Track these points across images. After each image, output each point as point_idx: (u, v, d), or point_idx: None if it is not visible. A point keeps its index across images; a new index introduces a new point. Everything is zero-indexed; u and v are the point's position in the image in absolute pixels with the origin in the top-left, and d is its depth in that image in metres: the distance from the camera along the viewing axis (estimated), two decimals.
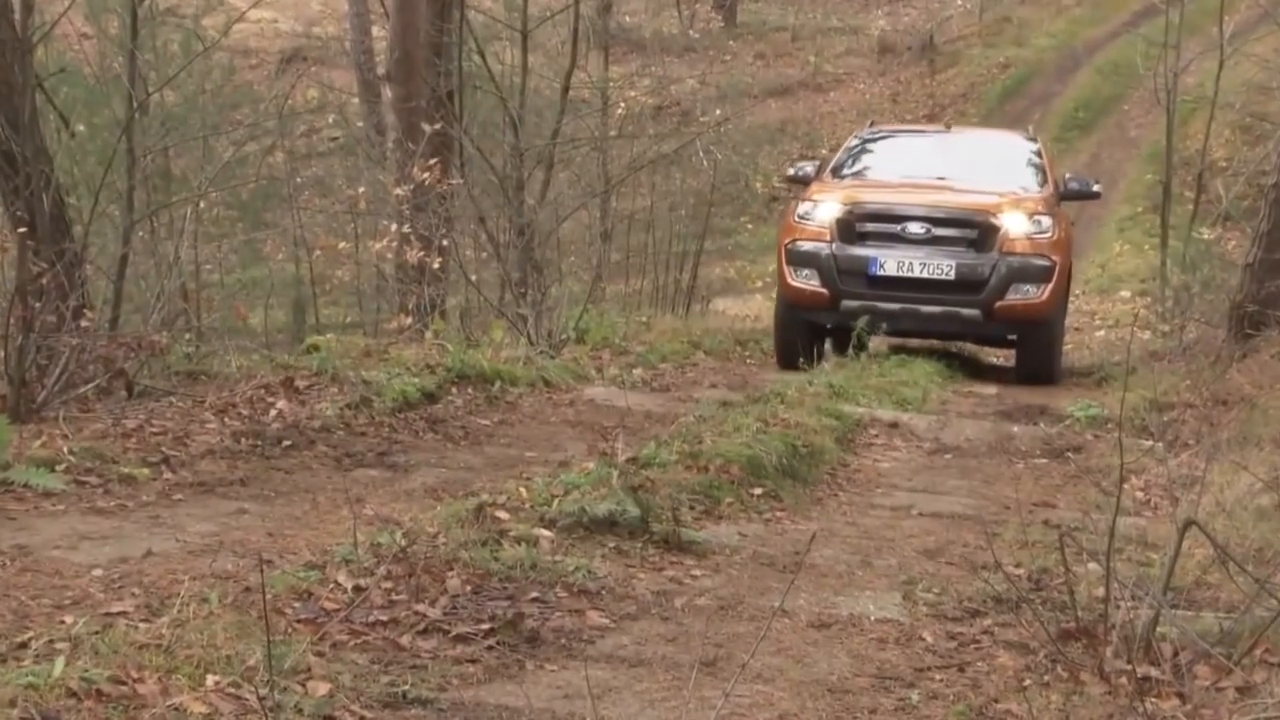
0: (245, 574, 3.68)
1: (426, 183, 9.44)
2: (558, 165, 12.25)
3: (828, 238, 9.25)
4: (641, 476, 4.67)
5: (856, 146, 10.87)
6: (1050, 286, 9.15)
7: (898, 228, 9.17)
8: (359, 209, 11.78)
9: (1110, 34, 24.79)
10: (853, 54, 27.06)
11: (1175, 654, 3.35)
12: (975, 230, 9.13)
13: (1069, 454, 6.36)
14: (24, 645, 3.03)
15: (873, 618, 3.80)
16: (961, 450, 6.44)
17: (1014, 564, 4.26)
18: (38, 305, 5.61)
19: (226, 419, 5.56)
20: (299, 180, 12.68)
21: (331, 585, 3.58)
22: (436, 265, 9.55)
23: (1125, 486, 5.25)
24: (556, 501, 4.41)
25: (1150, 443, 6.14)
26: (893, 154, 10.76)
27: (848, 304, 9.18)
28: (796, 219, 9.54)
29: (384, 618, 3.46)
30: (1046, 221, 9.26)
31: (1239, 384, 7.34)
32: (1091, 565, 3.90)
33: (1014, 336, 9.56)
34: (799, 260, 9.38)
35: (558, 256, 11.66)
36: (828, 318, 9.45)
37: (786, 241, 9.53)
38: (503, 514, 4.26)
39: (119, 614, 3.33)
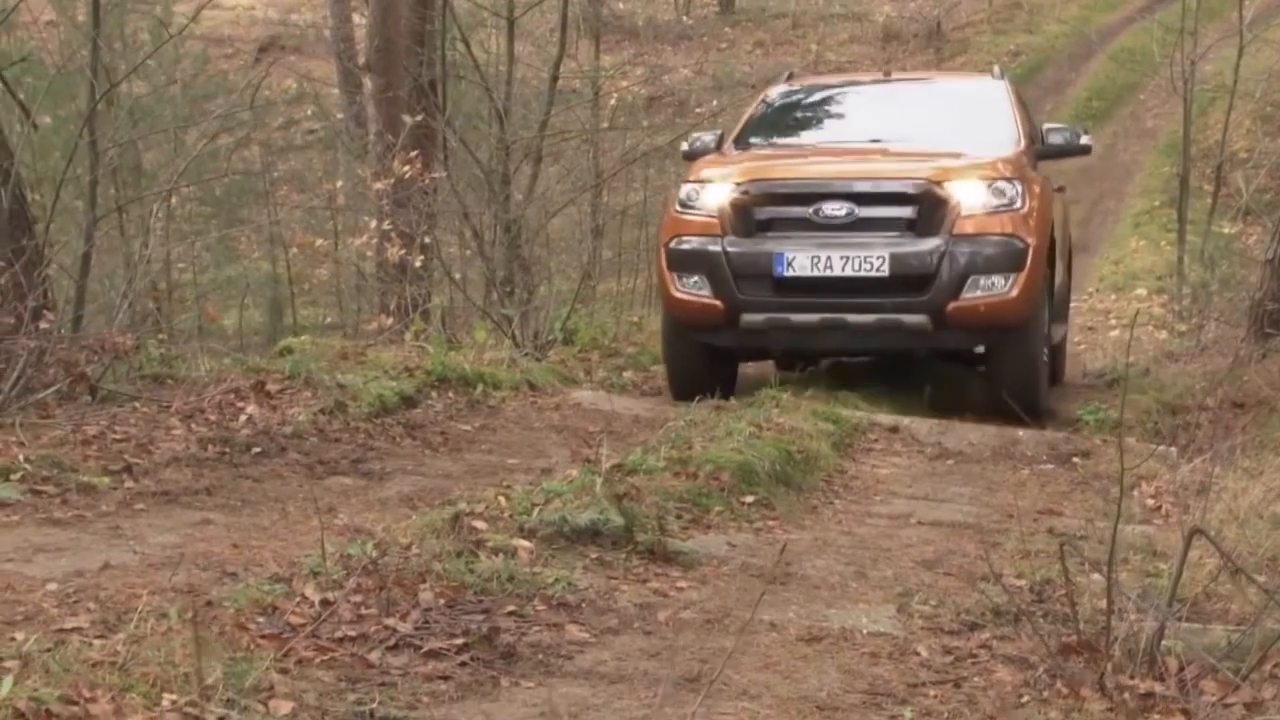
0: (208, 587, 3.57)
1: (408, 177, 9.30)
2: (546, 159, 12.07)
3: (718, 230, 7.06)
4: (627, 484, 4.53)
5: (768, 108, 8.53)
6: (1023, 276, 6.90)
7: (808, 210, 6.95)
8: (338, 205, 11.61)
9: (1125, 20, 24.50)
10: (856, 41, 26.80)
11: (1181, 669, 3.26)
12: (913, 206, 6.92)
13: (1076, 459, 6.23)
14: None
15: (865, 631, 3.69)
16: (964, 455, 6.30)
17: (1015, 575, 4.13)
18: None
19: (194, 425, 5.41)
20: (276, 175, 12.51)
21: (298, 599, 3.47)
22: (418, 263, 9.41)
23: (1135, 493, 5.16)
24: (537, 510, 4.28)
25: (1162, 447, 6.02)
26: (816, 114, 8.54)
27: (749, 319, 7.02)
28: (678, 208, 7.30)
29: (352, 633, 3.35)
30: (1013, 189, 7.00)
31: (1257, 386, 7.24)
32: (1095, 576, 3.78)
33: (981, 348, 7.19)
34: (683, 263, 7.16)
35: (546, 254, 11.47)
36: (726, 338, 7.20)
37: (667, 240, 7.30)
38: (480, 524, 4.13)
39: (73, 630, 3.21)
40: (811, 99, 8.80)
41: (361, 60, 13.66)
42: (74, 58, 8.83)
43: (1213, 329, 9.98)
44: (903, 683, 3.34)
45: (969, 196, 6.96)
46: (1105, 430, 6.84)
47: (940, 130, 7.79)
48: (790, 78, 8.98)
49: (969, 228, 6.89)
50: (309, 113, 17.89)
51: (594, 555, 4.10)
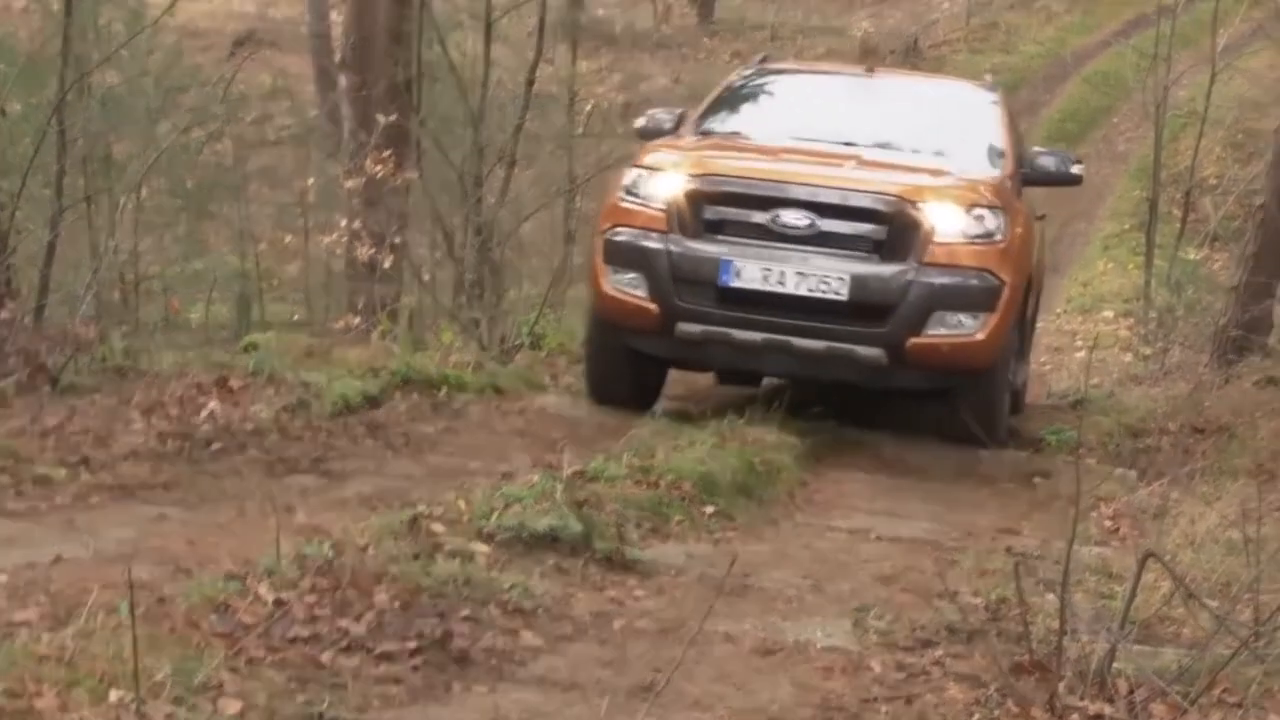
0: (160, 583, 3.52)
1: (380, 176, 9.25)
2: (520, 163, 12.00)
3: (662, 225, 6.31)
4: (588, 491, 4.53)
5: (735, 92, 7.70)
6: (994, 319, 6.23)
7: (766, 216, 6.22)
8: (309, 202, 11.55)
9: (1100, 43, 24.67)
10: (834, 55, 26.86)
11: (1131, 691, 3.29)
12: (884, 226, 6.20)
13: (1037, 479, 6.23)
14: None
15: (820, 645, 3.69)
16: (925, 473, 6.30)
17: (972, 593, 4.15)
18: None
19: (154, 419, 5.35)
20: (247, 169, 12.42)
21: (251, 598, 3.44)
22: (388, 263, 9.37)
23: (1093, 515, 5.18)
24: (496, 515, 4.26)
25: (1122, 470, 6.04)
26: (787, 106, 7.64)
27: (686, 329, 6.28)
28: (622, 195, 6.52)
29: (305, 633, 3.33)
30: (995, 219, 6.30)
31: (1218, 412, 7.29)
32: (1050, 596, 3.80)
33: (934, 387, 6.51)
34: (619, 257, 6.42)
35: (517, 259, 11.42)
36: (657, 346, 6.49)
37: (605, 228, 6.54)
38: (439, 526, 4.11)
39: (21, 623, 3.18)
40: (784, 88, 7.94)
41: (338, 57, 13.60)
42: (46, 45, 8.77)
43: (1177, 353, 10.06)
44: (855, 698, 3.35)
45: (945, 221, 6.23)
46: (1067, 450, 6.85)
47: (920, 140, 7.11)
48: (764, 60, 8.22)
49: (941, 256, 6.18)
50: (283, 108, 17.80)
51: (551, 562, 4.08)
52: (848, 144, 6.94)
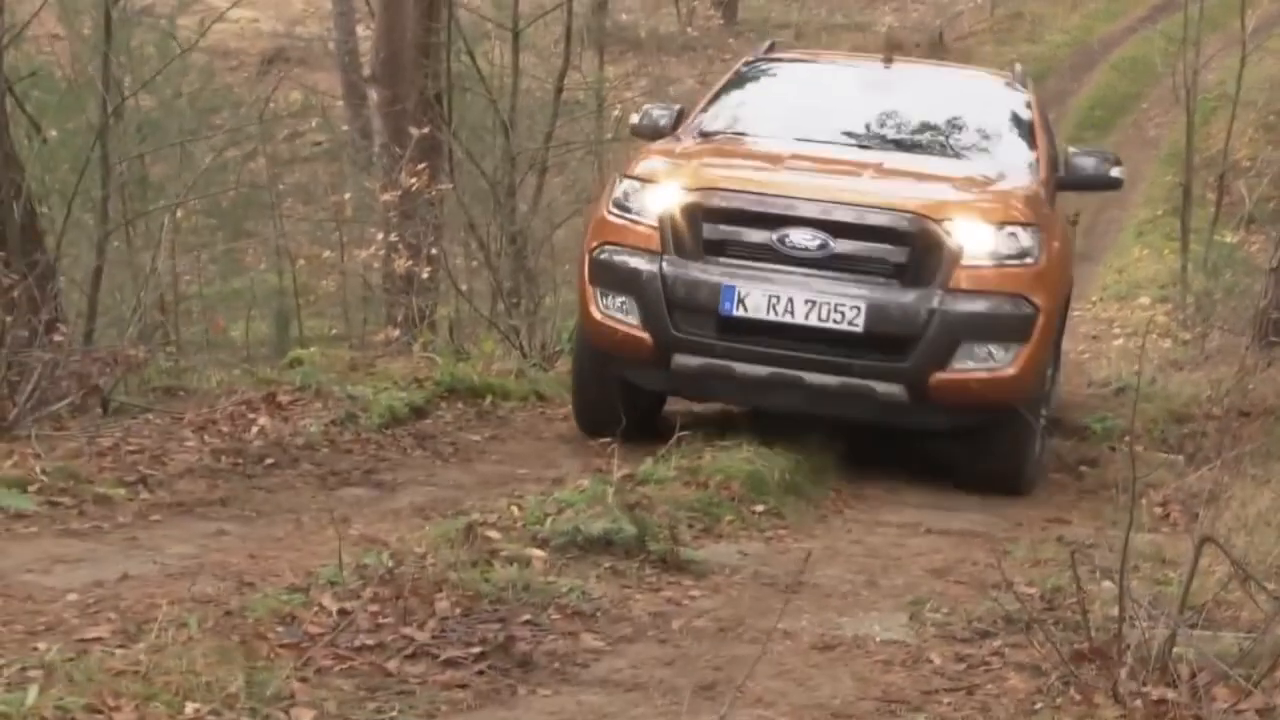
0: (226, 597, 3.59)
1: (414, 189, 9.30)
2: (551, 170, 12.08)
3: (656, 244, 5.68)
4: (638, 494, 4.57)
5: (740, 85, 6.99)
6: (1028, 350, 5.58)
7: (772, 236, 5.60)
8: (344, 217, 11.63)
9: (1127, 30, 24.56)
10: (859, 51, 26.89)
11: (1192, 675, 3.27)
12: (905, 247, 5.55)
13: (1083, 468, 6.23)
14: None
15: (878, 639, 3.72)
16: None
17: (1026, 583, 4.15)
18: (9, 319, 5.48)
19: (206, 436, 5.43)
20: (281, 187, 12.53)
21: (315, 608, 3.51)
22: (425, 275, 9.42)
23: (1143, 501, 5.16)
24: (549, 520, 4.31)
25: (1169, 456, 6.02)
26: (797, 102, 6.86)
27: (683, 361, 5.64)
28: (611, 210, 5.89)
29: (370, 642, 3.39)
30: (1029, 238, 5.66)
31: (1263, 394, 7.24)
32: (1106, 584, 3.80)
33: (962, 428, 5.77)
34: (608, 279, 5.80)
35: (551, 265, 11.44)
36: (651, 379, 5.88)
37: (593, 246, 5.91)
38: (494, 533, 4.16)
39: (94, 640, 3.25)
40: (793, 80, 7.21)
41: (366, 72, 13.69)
42: (82, 71, 8.87)
43: (1217, 337, 9.97)
44: (916, 690, 3.37)
45: (974, 242, 5.56)
46: (1112, 439, 6.84)
47: (944, 142, 6.55)
48: (772, 48, 7.32)
49: (969, 281, 5.53)
50: (314, 125, 17.92)
51: (607, 564, 4.12)
52: (863, 146, 6.39)
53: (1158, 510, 5.35)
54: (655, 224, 5.70)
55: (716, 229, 5.67)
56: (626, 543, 4.20)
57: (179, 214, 9.96)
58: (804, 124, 6.53)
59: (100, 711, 2.75)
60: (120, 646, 3.12)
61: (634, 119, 6.93)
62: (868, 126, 6.58)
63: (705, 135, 6.47)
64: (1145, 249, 16.51)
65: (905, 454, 6.29)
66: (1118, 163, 6.66)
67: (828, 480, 5.65)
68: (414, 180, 9.26)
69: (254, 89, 15.66)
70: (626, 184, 5.91)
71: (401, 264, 9.46)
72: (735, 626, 3.75)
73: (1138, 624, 3.34)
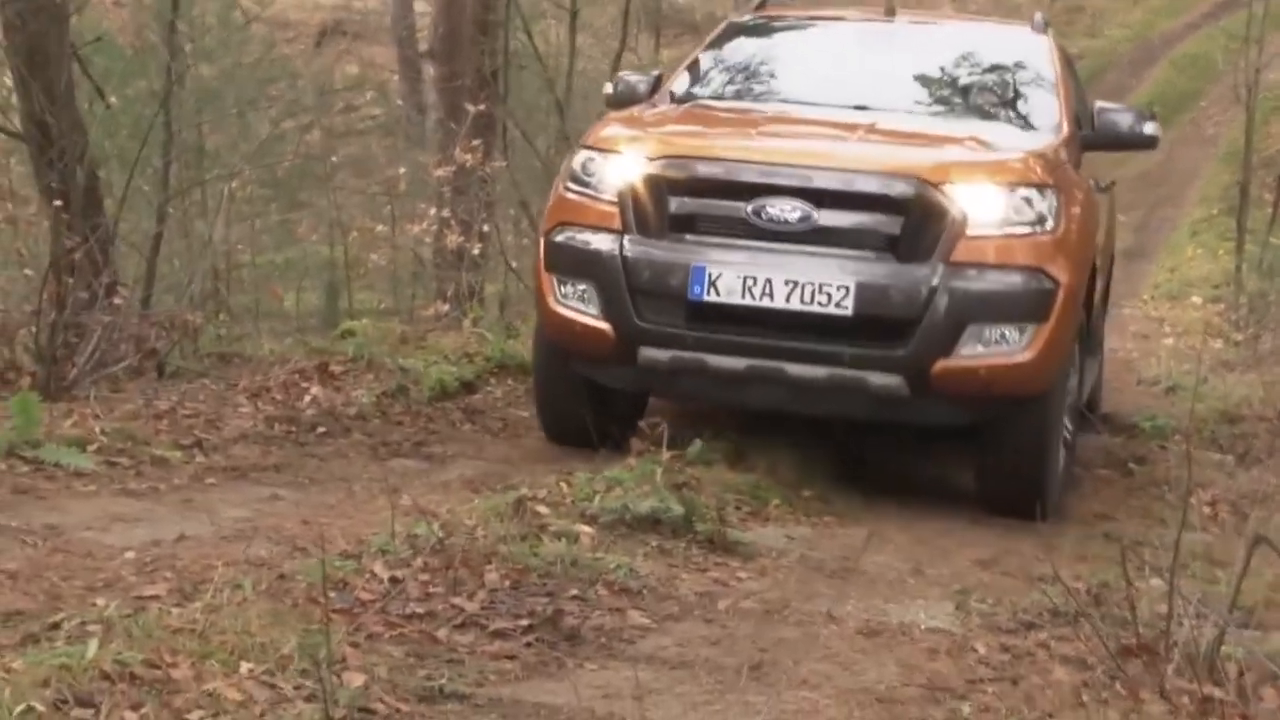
0: (279, 561, 3.64)
1: (468, 165, 9.33)
2: None
3: (617, 223, 5.00)
4: (686, 474, 4.58)
5: (723, 47, 6.28)
6: (1046, 331, 4.84)
7: (746, 207, 4.88)
8: (397, 191, 11.70)
9: (1188, 26, 24.31)
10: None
11: (1241, 675, 3.26)
12: (900, 216, 4.83)
13: (1132, 465, 6.19)
14: (56, 626, 3.01)
15: (923, 627, 3.71)
16: None
17: (1072, 577, 4.13)
18: (70, 281, 5.55)
19: (260, 403, 5.51)
20: (335, 160, 12.60)
21: (367, 575, 3.54)
22: (476, 251, 9.45)
23: (1191, 501, 5.12)
24: (598, 498, 4.33)
25: (1219, 456, 5.96)
26: (784, 62, 6.20)
27: (650, 355, 4.98)
28: (568, 185, 5.21)
29: (420, 610, 3.42)
30: (1045, 202, 4.91)
31: None
32: (1154, 581, 3.79)
33: (970, 422, 5.07)
34: (565, 264, 5.14)
35: None
36: (616, 376, 5.19)
37: (548, 228, 5.25)
38: (543, 509, 4.19)
39: (151, 597, 3.30)
40: (785, 38, 6.43)
41: (423, 47, 13.75)
42: (143, 39, 8.95)
43: (1269, 339, 9.87)
44: (961, 678, 3.36)
45: (980, 208, 4.82)
46: (1161, 437, 6.80)
47: (951, 101, 5.86)
48: (763, 5, 6.56)
49: (974, 254, 4.79)
50: (369, 98, 18.03)
51: (654, 543, 4.14)
52: (857, 107, 5.53)
53: (1206, 510, 5.31)
54: (614, 199, 5.00)
55: (683, 202, 4.95)
56: (674, 522, 4.22)
57: (234, 183, 10.06)
58: (791, 85, 5.92)
59: (158, 667, 2.80)
60: (177, 605, 3.17)
61: (607, 89, 6.22)
62: (863, 83, 5.80)
63: (679, 100, 5.82)
64: (1199, 248, 16.33)
65: (911, 470, 5.90)
66: (1152, 117, 5.89)
67: (874, 467, 5.64)
68: (468, 156, 9.30)
69: (311, 61, 15.76)
70: (584, 154, 5.19)
71: (453, 239, 9.50)
72: (781, 609, 3.76)
73: (1186, 621, 3.33)
